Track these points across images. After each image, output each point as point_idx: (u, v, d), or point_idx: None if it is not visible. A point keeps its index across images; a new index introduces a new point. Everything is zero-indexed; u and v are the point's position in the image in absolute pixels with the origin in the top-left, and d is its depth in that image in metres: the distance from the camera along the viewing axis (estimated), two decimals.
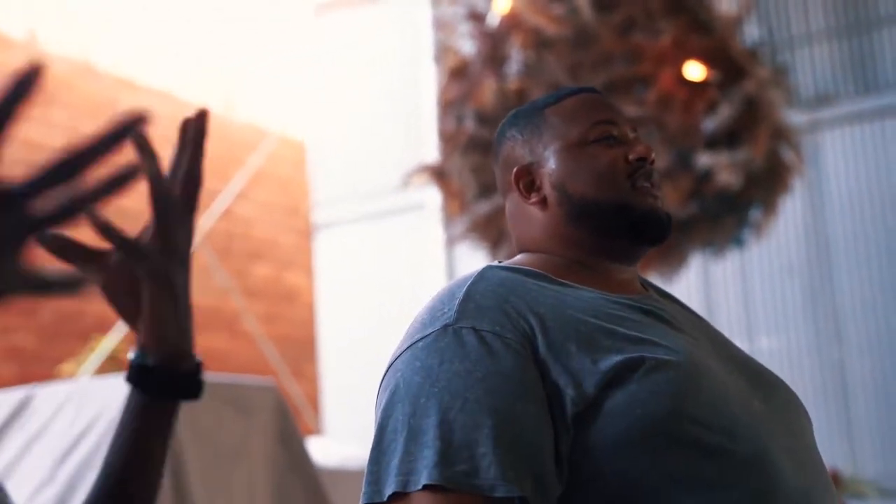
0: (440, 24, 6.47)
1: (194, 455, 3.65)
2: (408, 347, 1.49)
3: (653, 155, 1.63)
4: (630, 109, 5.46)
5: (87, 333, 6.27)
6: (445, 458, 1.35)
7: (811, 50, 7.91)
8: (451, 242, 6.29)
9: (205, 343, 7.30)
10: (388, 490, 1.38)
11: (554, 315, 1.47)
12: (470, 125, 5.84)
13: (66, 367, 5.86)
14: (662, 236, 1.62)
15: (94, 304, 4.79)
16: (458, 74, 6.03)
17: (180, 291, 1.11)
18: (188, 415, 3.70)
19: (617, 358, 1.43)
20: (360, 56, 9.38)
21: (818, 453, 1.54)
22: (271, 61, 8.92)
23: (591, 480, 1.41)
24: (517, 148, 1.70)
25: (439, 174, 6.08)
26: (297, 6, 9.39)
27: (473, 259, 7.64)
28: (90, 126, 6.74)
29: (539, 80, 5.65)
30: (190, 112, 1.05)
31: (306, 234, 9.22)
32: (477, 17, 6.03)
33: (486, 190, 5.79)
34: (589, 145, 1.64)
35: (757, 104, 5.69)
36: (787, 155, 5.94)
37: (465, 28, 6.25)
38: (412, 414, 1.42)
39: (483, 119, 5.77)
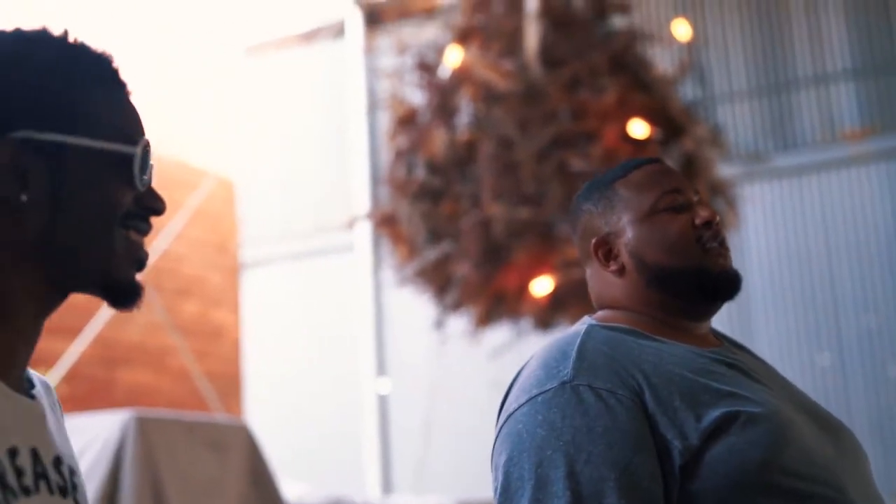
0: (387, 73, 6.61)
1: (174, 492, 3.73)
2: (527, 401, 1.64)
3: (717, 217, 1.80)
4: (576, 163, 5.68)
5: None
6: None
7: (733, 108, 8.27)
8: (399, 285, 6.43)
9: (132, 378, 7.31)
10: None
11: (656, 372, 1.62)
12: (420, 174, 6.00)
13: None
14: (734, 293, 1.80)
15: None
16: (406, 123, 6.19)
17: None
18: (168, 453, 3.78)
19: (716, 413, 1.60)
20: (290, 97, 9.48)
21: (877, 489, 1.73)
22: (202, 101, 8.97)
23: None
24: (593, 220, 1.84)
25: (388, 220, 6.22)
26: (228, 47, 9.46)
27: (400, 301, 7.78)
28: None
29: (488, 132, 5.83)
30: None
31: (234, 271, 9.26)
32: (426, 69, 6.19)
33: (434, 237, 5.96)
34: (659, 214, 1.78)
35: (695, 160, 5.95)
36: (722, 208, 6.22)
37: (412, 78, 6.40)
38: (539, 464, 1.57)
39: (433, 168, 5.94)
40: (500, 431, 1.66)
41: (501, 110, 5.82)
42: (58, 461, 1.20)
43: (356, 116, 8.85)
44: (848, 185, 8.04)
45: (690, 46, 7.51)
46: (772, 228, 8.06)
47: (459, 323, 6.52)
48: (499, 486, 1.61)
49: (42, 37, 1.22)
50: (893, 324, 7.82)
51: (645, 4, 8.03)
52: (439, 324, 6.37)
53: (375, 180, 8.48)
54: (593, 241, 1.82)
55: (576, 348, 1.66)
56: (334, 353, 9.06)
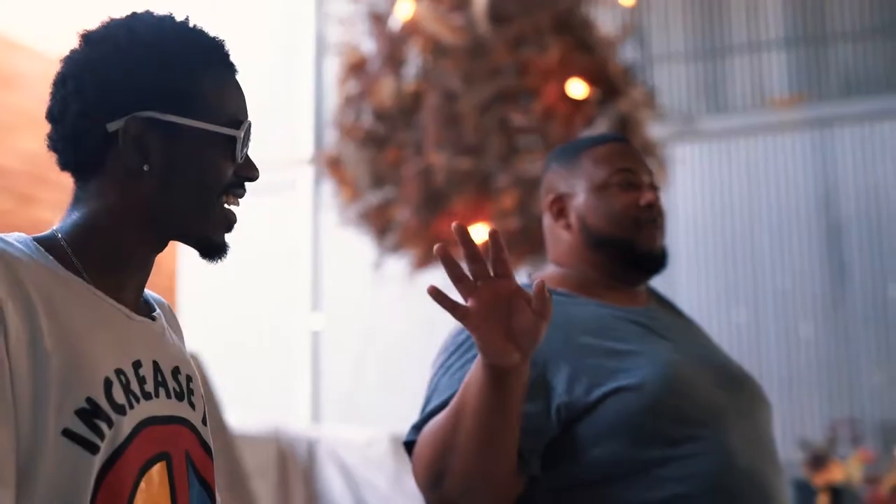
0: (338, 20, 6.75)
1: None
2: (443, 350, 1.96)
3: (660, 201, 2.07)
4: (516, 118, 5.91)
5: None
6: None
7: (669, 70, 8.54)
8: (341, 226, 6.63)
9: None
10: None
11: (556, 329, 1.88)
12: (367, 120, 6.18)
13: None
14: (657, 270, 2.07)
15: None
16: (356, 70, 6.36)
17: None
18: None
19: (604, 368, 1.88)
20: (239, 37, 9.55)
21: (771, 438, 2.00)
22: None
23: (570, 462, 1.86)
24: (556, 179, 2.11)
25: (333, 162, 6.40)
26: None
27: (339, 240, 7.97)
28: None
29: (435, 84, 6.03)
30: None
31: None
32: (378, 18, 6.35)
33: (378, 182, 6.17)
34: (610, 188, 2.05)
35: (628, 121, 6.20)
36: (653, 168, 6.49)
37: (362, 26, 6.55)
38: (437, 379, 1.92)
39: (380, 116, 6.13)
40: (430, 369, 1.97)
41: (448, 63, 6.01)
42: (176, 371, 1.44)
43: (305, 59, 8.97)
44: (774, 151, 8.38)
45: (632, 9, 7.75)
46: (699, 189, 8.38)
47: (397, 265, 6.73)
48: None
49: (168, 23, 1.43)
50: (807, 285, 8.19)
51: None
52: (377, 265, 6.59)
53: (320, 123, 8.63)
54: (550, 197, 2.10)
55: None
56: (271, 288, 9.25)
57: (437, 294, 1.56)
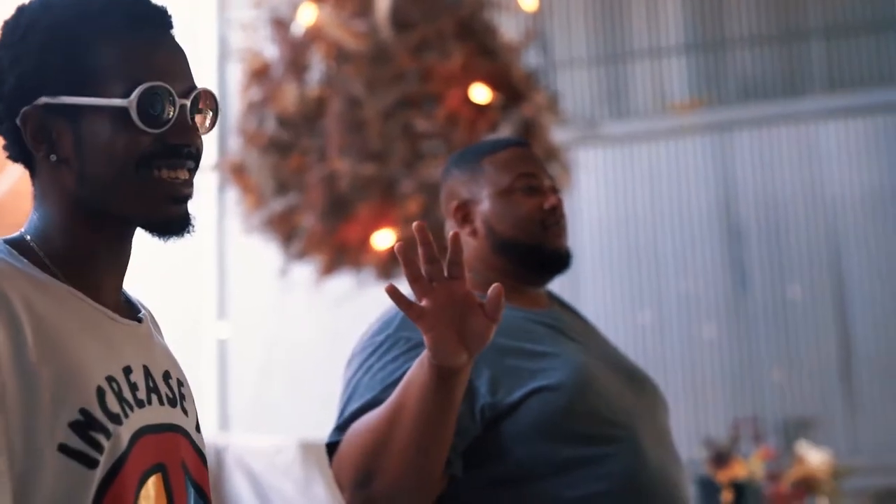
0: (241, 25, 6.70)
1: None
2: (360, 349, 1.95)
3: (563, 204, 2.10)
4: (420, 124, 5.93)
5: None
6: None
7: (572, 75, 8.62)
8: (245, 233, 6.57)
9: None
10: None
11: None
12: (270, 127, 6.14)
13: None
14: (563, 269, 2.10)
15: None
16: (259, 76, 6.32)
17: None
18: None
19: (522, 368, 1.91)
20: None
21: (672, 436, 2.05)
22: None
23: (493, 461, 1.88)
24: (458, 186, 2.13)
25: (237, 169, 6.35)
26: None
27: (244, 247, 7.91)
28: None
29: (338, 90, 6.01)
30: None
31: None
32: (280, 24, 6.32)
33: (281, 188, 6.13)
34: (514, 193, 2.08)
35: (532, 126, 6.24)
36: (557, 172, 6.53)
37: (265, 31, 6.50)
38: (354, 385, 1.92)
39: (283, 122, 6.10)
40: (343, 376, 1.97)
41: (351, 69, 6.00)
42: (167, 375, 1.37)
43: (207, 65, 8.88)
44: (675, 155, 8.50)
45: (535, 15, 7.81)
46: (602, 193, 8.47)
47: (303, 272, 6.70)
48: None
49: (52, 1, 1.33)
50: (709, 288, 8.32)
51: None
52: (283, 272, 6.55)
53: (223, 130, 8.56)
54: (454, 204, 2.12)
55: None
56: (176, 296, 9.13)
57: (394, 293, 1.58)
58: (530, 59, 7.20)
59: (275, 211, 6.19)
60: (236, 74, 7.05)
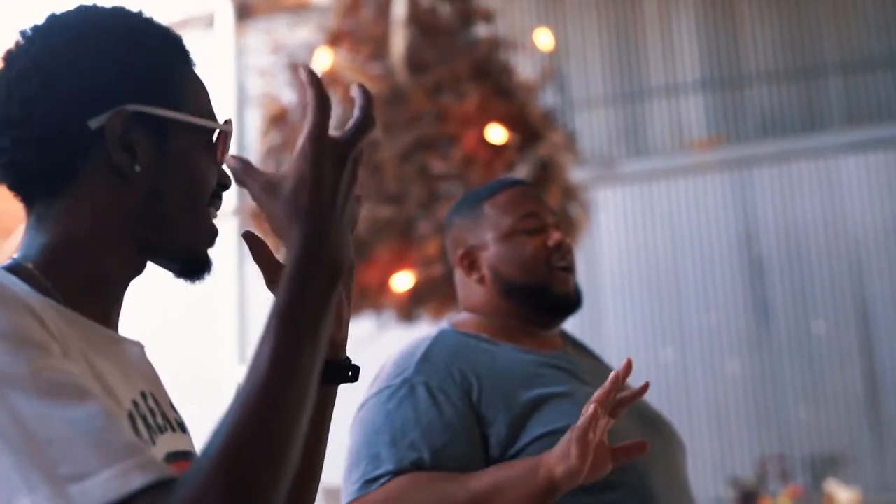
0: (259, 71, 6.76)
1: None
2: (376, 393, 1.92)
3: (567, 239, 2.09)
4: (436, 165, 5.94)
5: None
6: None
7: (589, 114, 8.64)
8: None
9: None
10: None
11: (489, 374, 1.91)
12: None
13: None
14: (572, 313, 2.09)
15: None
16: (277, 121, 6.35)
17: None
18: None
19: (530, 413, 1.89)
20: None
21: (687, 480, 2.02)
22: None
23: None
24: (462, 233, 2.12)
25: (257, 215, 6.37)
26: None
27: (265, 291, 7.91)
28: None
29: None
30: None
31: None
32: (297, 69, 6.35)
33: None
34: (517, 235, 2.07)
35: (549, 165, 6.25)
36: (575, 211, 6.53)
37: (282, 77, 6.55)
38: (374, 444, 1.87)
39: None
40: (354, 418, 1.94)
41: None
42: (170, 402, 1.30)
43: (226, 111, 8.95)
44: (693, 192, 8.49)
45: (551, 55, 7.83)
46: (622, 231, 8.46)
47: None
48: (346, 464, 1.90)
49: (127, 12, 1.25)
50: (731, 323, 8.28)
51: (510, 13, 8.33)
52: None
53: None
54: (460, 252, 2.10)
55: (423, 350, 1.95)
56: (198, 339, 9.16)
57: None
58: (547, 98, 7.22)
59: None
60: (255, 120, 7.09)
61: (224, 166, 1.28)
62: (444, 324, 2.08)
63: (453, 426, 1.85)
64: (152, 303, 9.29)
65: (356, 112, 1.07)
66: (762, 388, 8.15)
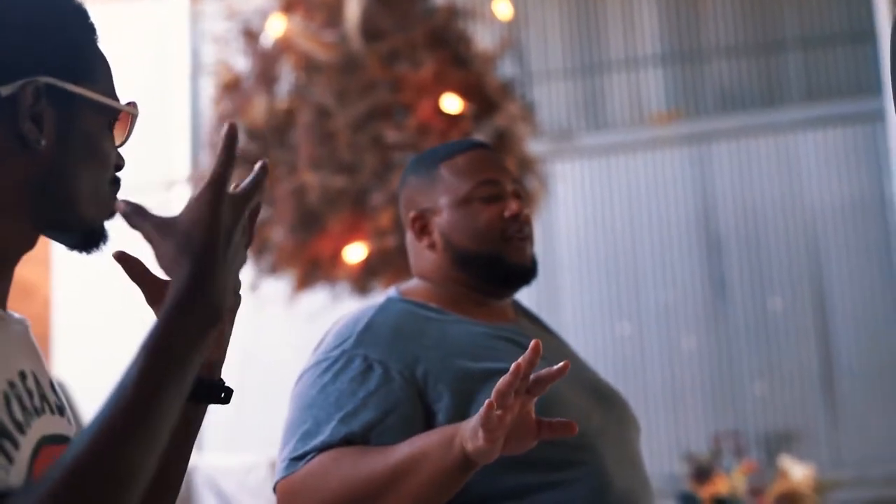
0: (213, 38, 6.61)
1: None
2: (314, 364, 1.83)
3: (525, 210, 1.99)
4: (391, 135, 5.84)
5: None
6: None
7: (549, 86, 8.56)
8: None
9: None
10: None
11: (437, 346, 1.82)
12: (240, 139, 6.03)
13: None
14: (525, 282, 2.00)
15: None
16: (231, 89, 6.23)
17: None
18: None
19: (479, 388, 1.80)
20: (112, 54, 9.35)
21: (641, 456, 1.95)
22: None
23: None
24: (415, 194, 2.02)
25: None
26: None
27: None
28: None
29: (307, 101, 5.93)
30: None
31: None
32: (251, 35, 6.24)
33: None
34: (473, 202, 1.97)
35: (506, 136, 6.17)
36: (532, 184, 6.46)
37: (237, 44, 6.42)
38: (306, 420, 1.78)
39: (253, 135, 6.00)
40: (292, 391, 1.85)
41: (321, 80, 5.92)
42: (51, 383, 1.26)
43: (179, 79, 8.80)
44: (653, 166, 8.44)
45: (510, 24, 7.74)
46: (580, 205, 8.40)
47: (277, 287, 6.61)
48: (281, 441, 1.80)
49: None
50: (689, 300, 8.25)
51: None
52: (255, 287, 6.45)
53: (196, 144, 8.47)
54: (411, 214, 2.01)
55: (366, 320, 1.86)
56: (149, 314, 9.02)
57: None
58: (505, 69, 7.13)
59: None
60: (209, 88, 6.97)
61: (120, 150, 1.29)
62: (391, 291, 1.98)
63: (389, 400, 1.78)
64: (104, 268, 9.17)
65: (254, 170, 1.14)
66: (718, 364, 8.14)
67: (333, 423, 1.74)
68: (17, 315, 1.29)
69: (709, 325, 8.20)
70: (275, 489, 1.76)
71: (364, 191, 5.82)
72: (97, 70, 1.25)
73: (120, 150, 1.29)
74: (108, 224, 1.27)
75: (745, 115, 8.43)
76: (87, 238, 1.26)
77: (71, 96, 1.20)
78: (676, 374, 8.15)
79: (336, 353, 1.83)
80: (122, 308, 9.04)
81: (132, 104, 1.29)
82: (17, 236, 1.21)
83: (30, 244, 1.24)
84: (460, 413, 1.76)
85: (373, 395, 1.76)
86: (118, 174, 1.28)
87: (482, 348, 1.86)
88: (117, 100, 1.28)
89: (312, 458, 1.72)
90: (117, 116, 1.26)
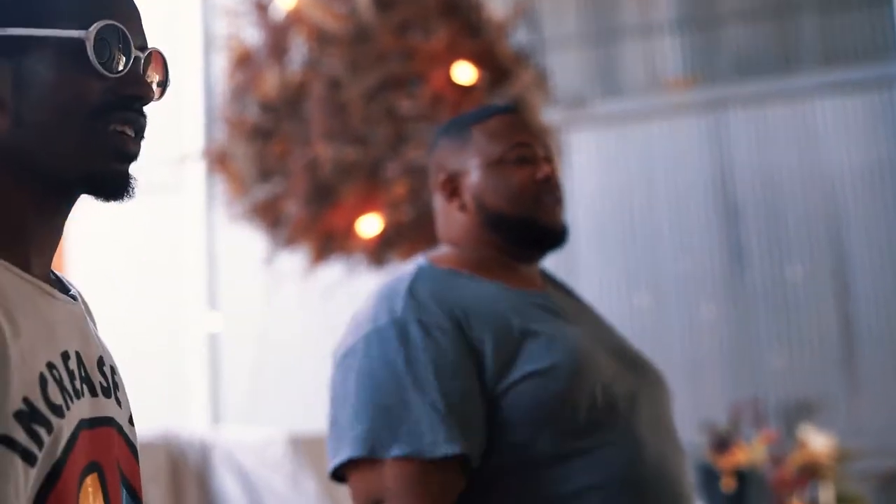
0: (225, 11, 6.56)
1: None
2: (362, 336, 1.80)
3: (557, 173, 1.97)
4: (403, 105, 5.79)
5: None
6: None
7: (563, 54, 8.48)
8: (230, 222, 6.45)
9: None
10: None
11: (475, 307, 1.80)
12: (253, 113, 6.01)
13: None
14: (558, 245, 1.98)
15: None
16: (243, 63, 6.18)
17: None
18: None
19: (518, 350, 1.77)
20: None
21: (673, 421, 1.92)
22: None
23: (494, 451, 1.76)
24: (447, 156, 2.00)
25: (221, 157, 6.22)
26: None
27: (233, 240, 7.80)
28: None
29: (320, 73, 5.88)
30: None
31: None
32: (262, 8, 6.18)
33: (265, 176, 5.99)
34: (505, 164, 1.95)
35: (520, 105, 6.11)
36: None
37: (248, 17, 6.37)
38: (371, 390, 1.76)
39: (265, 108, 5.96)
40: (337, 364, 1.81)
41: (333, 52, 5.87)
42: (101, 362, 1.21)
43: (191, 53, 8.77)
44: (669, 134, 8.37)
45: None
46: (596, 173, 8.34)
47: (293, 261, 6.58)
48: (331, 413, 1.77)
49: None
50: (706, 268, 8.20)
51: None
52: (270, 260, 6.42)
53: (210, 118, 8.44)
54: (441, 177, 1.99)
55: (406, 286, 1.82)
56: (165, 288, 9.03)
57: None
58: (518, 37, 7.06)
59: (258, 198, 6.05)
60: (222, 62, 6.93)
61: (130, 72, 1.17)
62: (420, 259, 1.96)
63: (454, 362, 1.75)
64: (119, 247, 9.16)
65: None
66: (737, 333, 8.10)
67: (423, 405, 1.70)
68: (71, 288, 1.24)
69: (727, 295, 8.15)
70: (341, 465, 1.72)
71: (378, 162, 5.78)
72: (56, 6, 1.13)
73: (126, 80, 1.17)
74: (121, 167, 1.17)
75: (762, 81, 8.35)
76: (97, 185, 1.17)
77: (13, 40, 1.10)
78: (695, 343, 8.11)
79: (387, 319, 1.79)
80: (135, 280, 9.06)
81: (98, 25, 1.14)
82: (32, 203, 1.15)
83: (53, 206, 1.17)
84: (500, 372, 1.75)
85: (436, 360, 1.73)
86: (123, 109, 1.17)
87: (514, 310, 1.84)
88: (86, 21, 1.14)
89: (409, 459, 1.69)
90: (84, 44, 1.13)
